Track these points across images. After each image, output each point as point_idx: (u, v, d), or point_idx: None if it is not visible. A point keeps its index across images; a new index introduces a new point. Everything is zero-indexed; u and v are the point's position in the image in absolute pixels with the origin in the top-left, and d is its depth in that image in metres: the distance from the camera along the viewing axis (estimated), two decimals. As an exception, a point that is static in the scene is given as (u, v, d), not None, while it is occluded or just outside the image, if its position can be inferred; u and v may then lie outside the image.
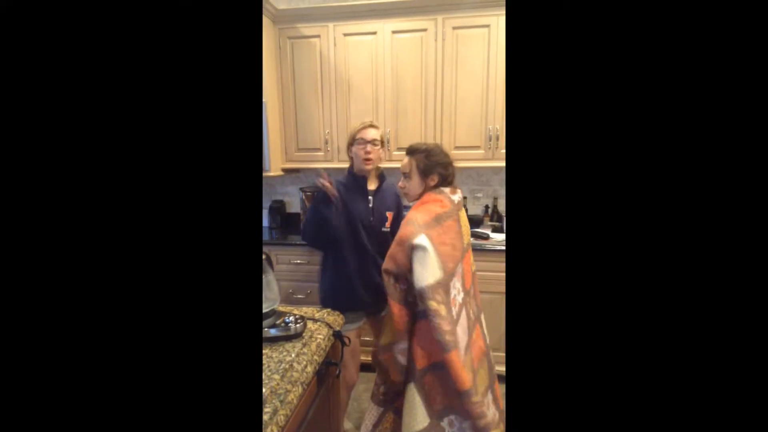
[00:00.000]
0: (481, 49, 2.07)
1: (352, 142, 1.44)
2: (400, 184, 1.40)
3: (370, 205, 1.48)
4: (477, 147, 2.15)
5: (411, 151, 1.36)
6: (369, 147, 1.42)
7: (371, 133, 1.43)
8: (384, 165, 2.25)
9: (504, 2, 1.99)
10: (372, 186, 1.50)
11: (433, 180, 1.35)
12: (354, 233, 1.44)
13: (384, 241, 1.46)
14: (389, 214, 1.52)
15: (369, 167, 1.44)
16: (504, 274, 1.95)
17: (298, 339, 0.97)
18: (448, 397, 1.24)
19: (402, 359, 1.30)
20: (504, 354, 2.05)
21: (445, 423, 1.25)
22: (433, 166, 1.34)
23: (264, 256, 1.01)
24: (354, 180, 1.47)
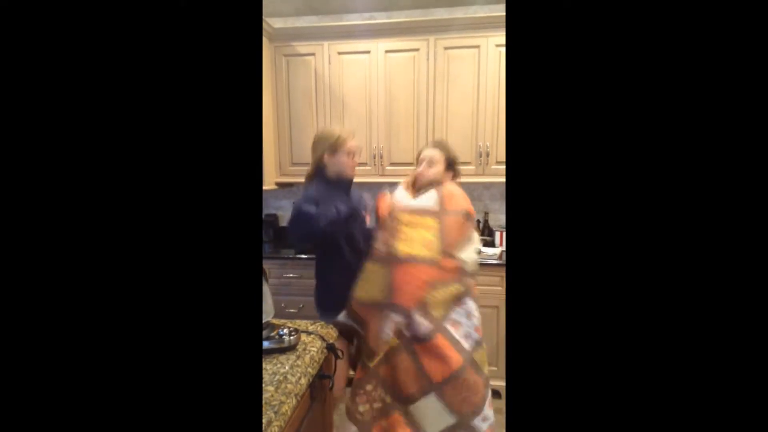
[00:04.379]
0: (471, 68, 2.13)
1: (336, 150, 1.43)
2: (421, 169, 1.50)
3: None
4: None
5: (440, 146, 1.52)
6: (356, 158, 1.49)
7: (354, 145, 1.48)
8: (376, 180, 2.30)
9: (493, 25, 2.07)
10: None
11: (450, 174, 1.52)
12: (352, 232, 1.46)
13: (368, 237, 1.50)
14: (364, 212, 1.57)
15: (354, 174, 1.49)
16: (496, 288, 1.97)
17: (292, 351, 0.98)
18: (473, 400, 1.26)
19: (389, 332, 1.29)
20: (496, 368, 2.05)
21: (478, 420, 1.27)
22: (454, 161, 1.54)
23: (259, 269, 1.02)
24: (337, 185, 1.48)
